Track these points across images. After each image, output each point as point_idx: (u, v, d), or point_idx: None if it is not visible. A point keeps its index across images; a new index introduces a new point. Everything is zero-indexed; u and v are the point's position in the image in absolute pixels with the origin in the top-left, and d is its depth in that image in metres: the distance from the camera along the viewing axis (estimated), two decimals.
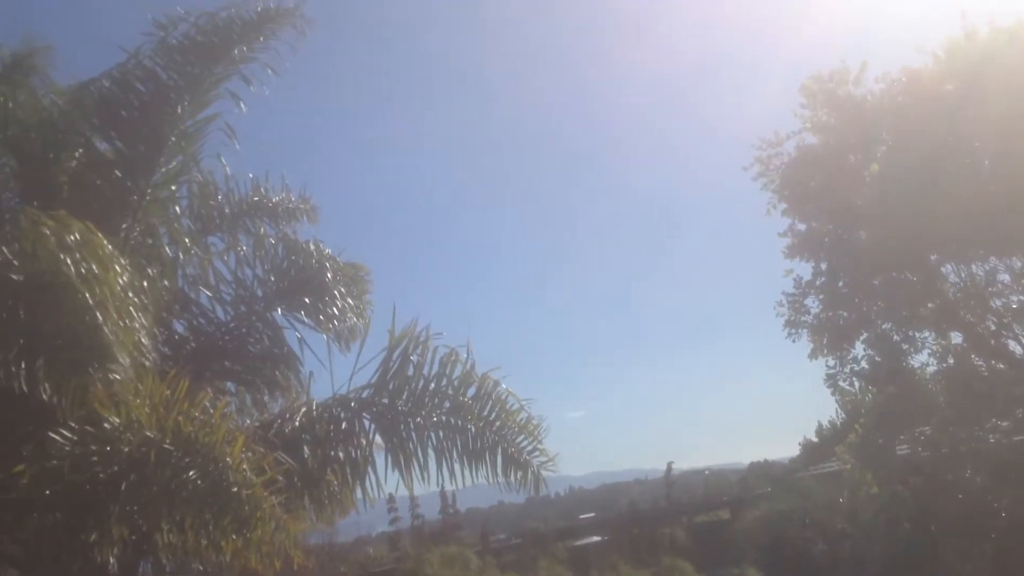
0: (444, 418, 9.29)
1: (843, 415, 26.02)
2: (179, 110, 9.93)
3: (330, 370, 10.02)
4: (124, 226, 9.56)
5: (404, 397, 9.32)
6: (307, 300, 10.75)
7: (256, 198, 11.69)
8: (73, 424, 7.02)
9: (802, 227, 18.81)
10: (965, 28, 16.53)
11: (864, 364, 18.56)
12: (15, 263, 7.26)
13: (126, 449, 6.94)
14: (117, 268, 7.41)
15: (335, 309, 10.80)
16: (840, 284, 18.47)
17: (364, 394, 9.45)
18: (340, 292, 10.95)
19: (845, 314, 18.49)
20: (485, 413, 9.30)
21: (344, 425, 9.44)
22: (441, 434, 9.28)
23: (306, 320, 10.75)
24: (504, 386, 9.31)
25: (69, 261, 7.01)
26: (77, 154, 9.93)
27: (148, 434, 6.96)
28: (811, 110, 18.48)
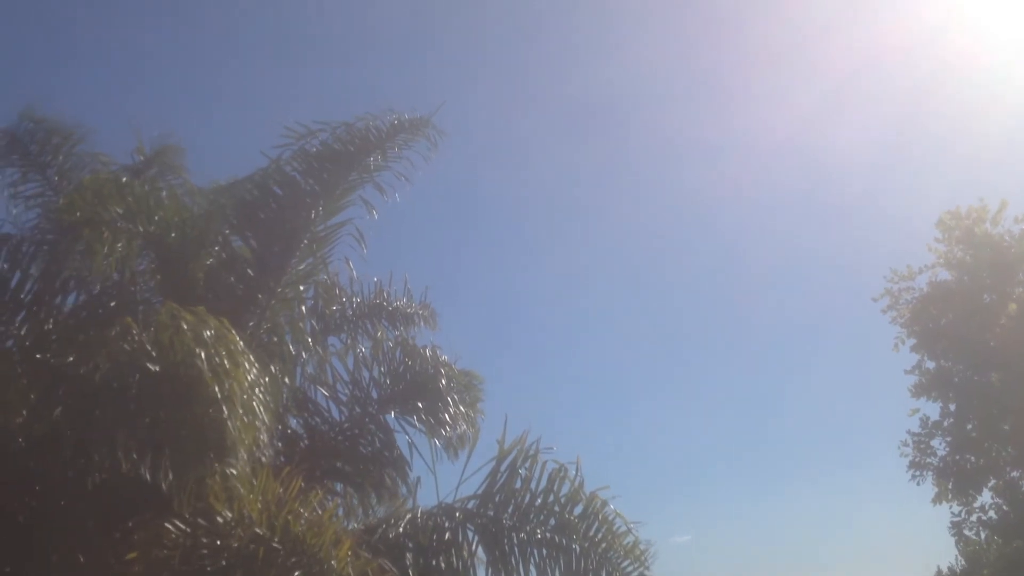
0: (549, 535, 9.11)
1: (963, 563, 24.83)
2: (313, 214, 10.28)
3: (435, 477, 10.04)
4: (252, 323, 9.82)
5: (510, 510, 9.21)
6: (420, 405, 10.82)
7: (378, 301, 11.91)
8: (187, 516, 7.13)
9: (931, 365, 18.27)
10: None
11: (992, 513, 17.71)
12: (152, 353, 7.43)
13: (235, 544, 7.04)
14: (247, 364, 7.56)
15: (447, 416, 10.83)
16: (969, 427, 17.78)
17: (470, 504, 9.37)
18: (453, 399, 10.99)
19: (973, 459, 17.76)
20: (591, 533, 9.10)
21: (447, 535, 9.31)
22: (544, 551, 9.09)
23: (418, 425, 10.79)
24: (612, 507, 9.15)
25: (203, 355, 7.18)
26: (213, 251, 10.24)
27: (258, 531, 7.05)
28: (946, 245, 18.17)
